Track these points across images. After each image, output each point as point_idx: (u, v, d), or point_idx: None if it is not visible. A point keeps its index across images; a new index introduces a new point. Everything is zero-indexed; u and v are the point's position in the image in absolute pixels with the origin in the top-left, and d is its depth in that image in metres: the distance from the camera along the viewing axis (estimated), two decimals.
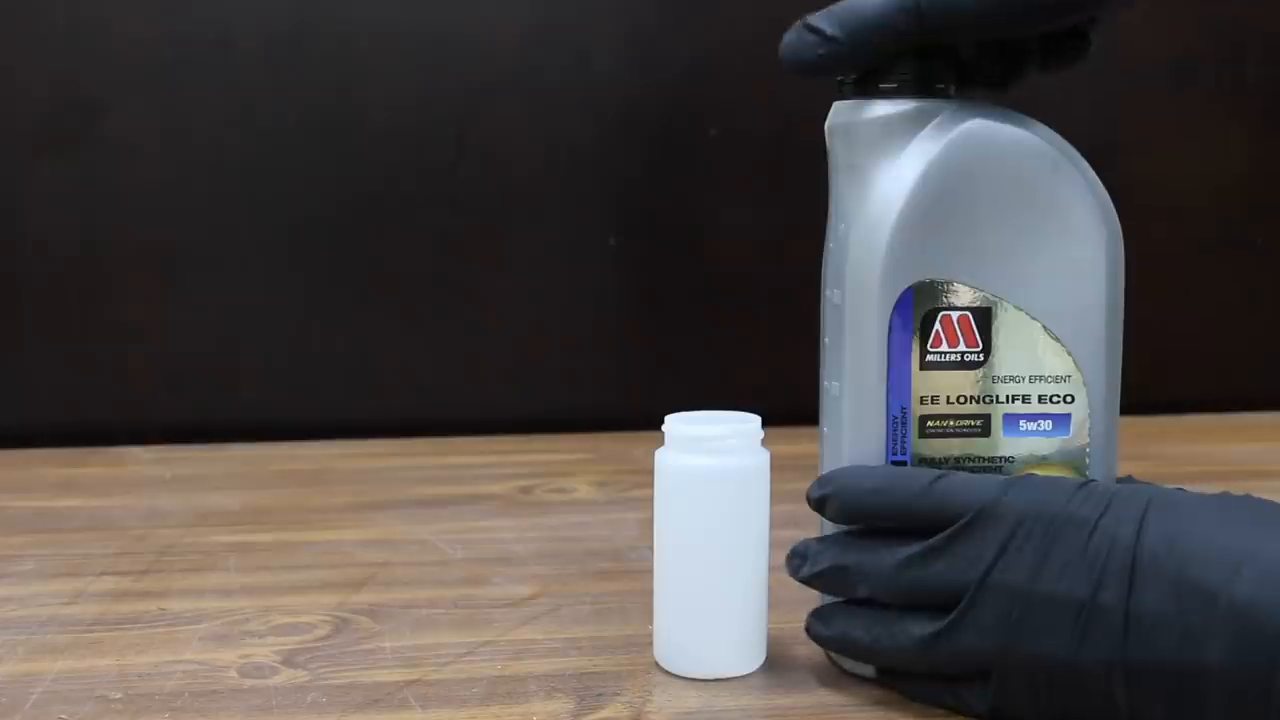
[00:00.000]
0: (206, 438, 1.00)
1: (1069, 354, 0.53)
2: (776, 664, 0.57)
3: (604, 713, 0.52)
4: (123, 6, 1.00)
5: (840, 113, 0.55)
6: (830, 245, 0.56)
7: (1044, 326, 0.53)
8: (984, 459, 0.53)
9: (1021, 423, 0.53)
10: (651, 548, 0.57)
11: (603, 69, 1.05)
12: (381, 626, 0.62)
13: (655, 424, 0.57)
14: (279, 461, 0.95)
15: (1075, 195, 0.52)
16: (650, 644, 0.58)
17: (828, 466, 0.56)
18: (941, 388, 0.53)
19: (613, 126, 1.06)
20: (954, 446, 0.53)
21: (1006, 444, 0.53)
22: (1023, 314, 0.53)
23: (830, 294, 0.55)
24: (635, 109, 1.06)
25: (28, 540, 0.76)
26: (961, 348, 0.53)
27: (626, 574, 0.69)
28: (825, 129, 0.56)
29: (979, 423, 0.53)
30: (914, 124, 0.52)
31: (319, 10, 1.02)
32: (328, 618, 0.63)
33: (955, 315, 0.52)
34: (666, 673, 0.56)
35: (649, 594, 0.58)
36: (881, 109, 0.53)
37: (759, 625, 0.57)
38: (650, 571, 0.57)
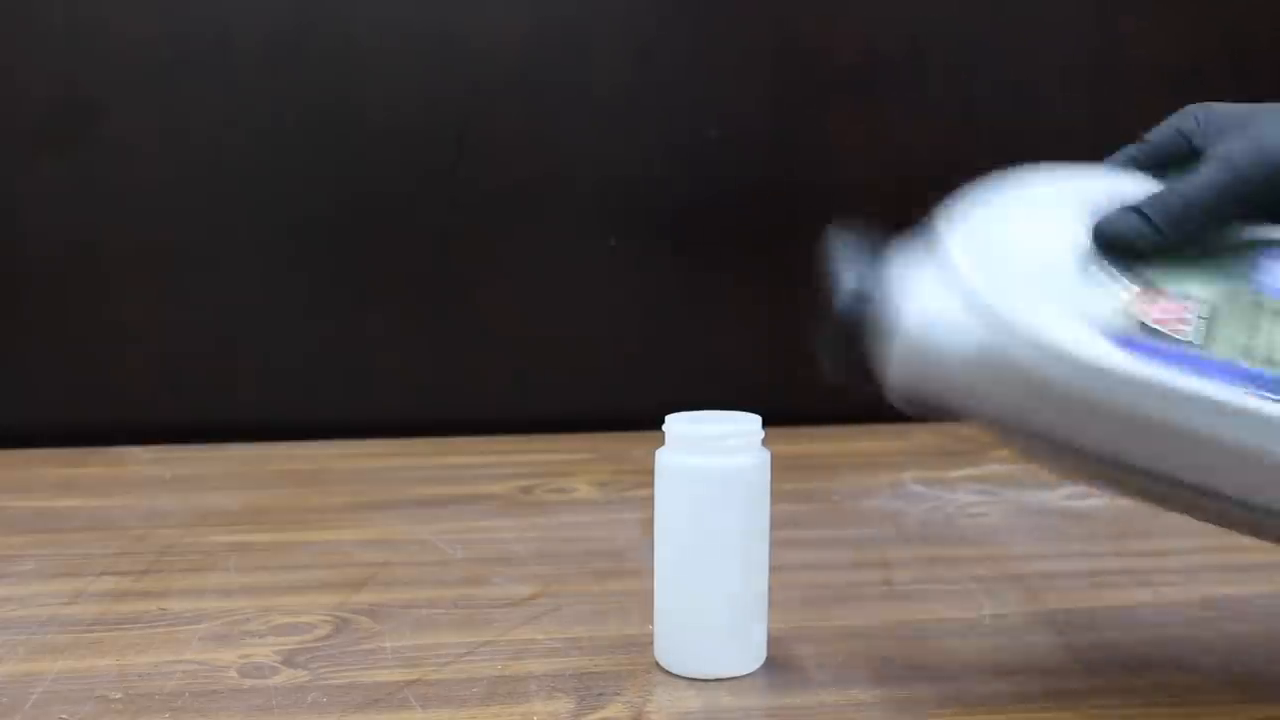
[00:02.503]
0: (206, 438, 1.00)
1: None
2: (776, 664, 0.57)
3: (604, 713, 0.52)
4: (122, 7, 1.00)
5: None
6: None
7: None
8: None
9: None
10: (651, 548, 0.57)
11: (603, 69, 1.05)
12: (381, 626, 0.62)
13: (655, 424, 0.57)
14: (278, 461, 0.95)
15: None
16: (650, 644, 0.58)
17: None
18: None
19: (613, 126, 1.06)
20: None
21: None
22: None
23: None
24: (635, 109, 1.06)
25: (28, 540, 0.76)
26: None
27: (626, 574, 0.69)
28: None
29: None
30: None
31: (319, 10, 1.02)
32: (328, 618, 0.63)
33: None
34: (666, 673, 0.56)
35: (649, 594, 0.57)
36: None
37: (759, 625, 0.57)
38: (650, 571, 0.57)
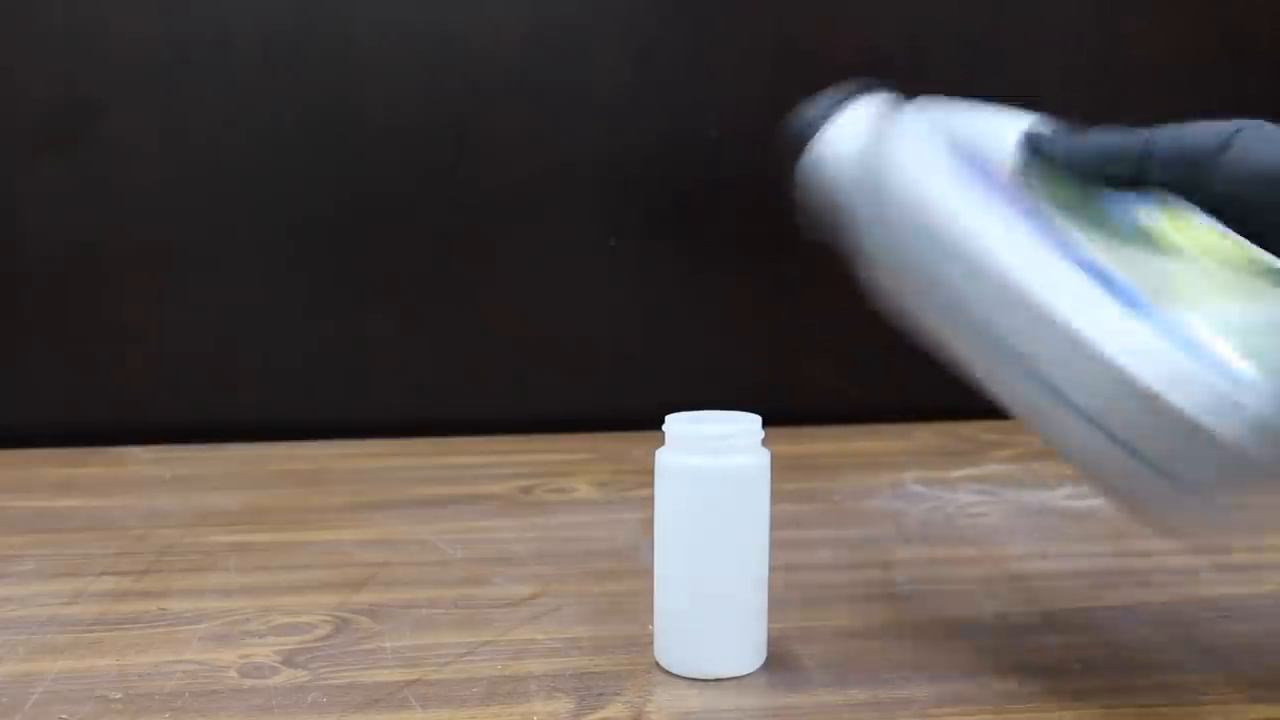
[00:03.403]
0: (206, 438, 1.00)
1: None
2: (776, 664, 0.57)
3: (604, 713, 0.52)
4: (122, 7, 1.00)
5: None
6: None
7: None
8: None
9: None
10: (651, 548, 0.57)
11: (603, 69, 1.05)
12: (381, 626, 0.62)
13: (655, 424, 0.57)
14: (278, 461, 0.95)
15: None
16: (650, 644, 0.58)
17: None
18: None
19: (612, 126, 1.06)
20: None
21: None
22: None
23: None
24: (635, 109, 1.06)
25: (28, 540, 0.76)
26: None
27: (626, 574, 0.69)
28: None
29: None
30: None
31: (319, 10, 1.02)
32: (328, 618, 0.63)
33: None
34: (666, 673, 0.56)
35: (649, 594, 0.58)
36: None
37: (759, 625, 0.57)
38: (650, 571, 0.57)
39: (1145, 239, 0.51)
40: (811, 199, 0.60)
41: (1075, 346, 0.47)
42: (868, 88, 0.61)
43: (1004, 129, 0.57)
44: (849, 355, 1.08)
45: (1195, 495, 0.47)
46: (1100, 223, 0.52)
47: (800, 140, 0.60)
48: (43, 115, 1.00)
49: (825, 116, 0.60)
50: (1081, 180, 0.54)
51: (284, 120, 1.02)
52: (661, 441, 0.56)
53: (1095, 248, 0.50)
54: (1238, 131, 0.51)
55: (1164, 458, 0.47)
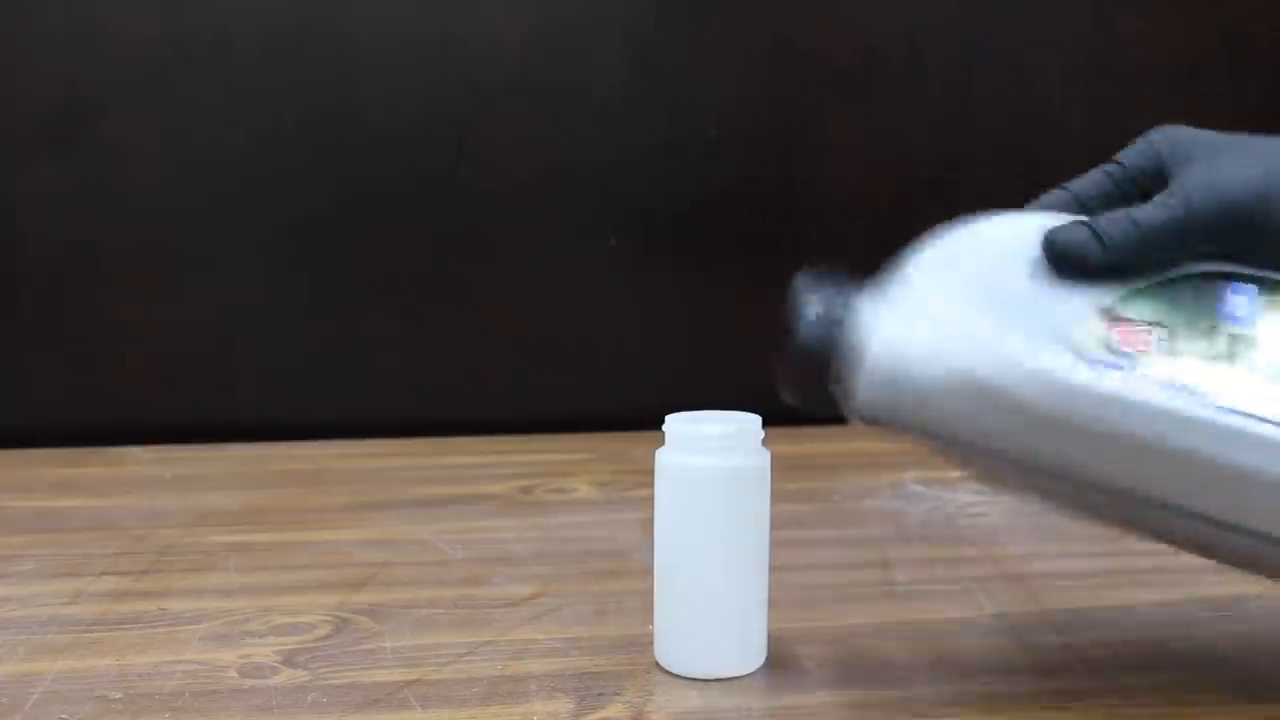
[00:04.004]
0: (205, 438, 1.00)
1: None
2: (776, 664, 0.57)
3: (604, 713, 0.52)
4: (122, 7, 1.00)
5: None
6: None
7: None
8: None
9: None
10: (651, 548, 0.57)
11: (603, 69, 1.05)
12: (381, 626, 0.62)
13: (655, 424, 0.57)
14: (278, 461, 0.95)
15: None
16: (650, 644, 0.58)
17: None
18: None
19: (612, 126, 1.06)
20: None
21: None
22: None
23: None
24: (635, 109, 1.06)
25: (28, 540, 0.76)
26: None
27: (626, 574, 0.69)
28: None
29: None
30: None
31: (319, 10, 1.02)
32: (328, 618, 0.63)
33: None
34: (666, 673, 0.56)
35: (649, 594, 0.58)
36: None
37: (759, 625, 0.57)
38: (650, 571, 0.57)
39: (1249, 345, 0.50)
40: (865, 411, 0.51)
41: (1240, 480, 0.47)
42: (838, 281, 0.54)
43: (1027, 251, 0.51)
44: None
45: None
46: (1211, 332, 0.50)
47: (815, 348, 0.51)
48: (43, 115, 1.00)
49: (831, 314, 0.52)
50: (1133, 278, 0.50)
51: (284, 120, 1.02)
52: (661, 441, 0.56)
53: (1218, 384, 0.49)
54: (1267, 173, 0.49)
55: None
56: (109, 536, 0.76)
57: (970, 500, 0.84)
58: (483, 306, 1.06)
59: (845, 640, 0.60)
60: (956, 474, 0.90)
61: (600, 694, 0.54)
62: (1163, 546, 0.73)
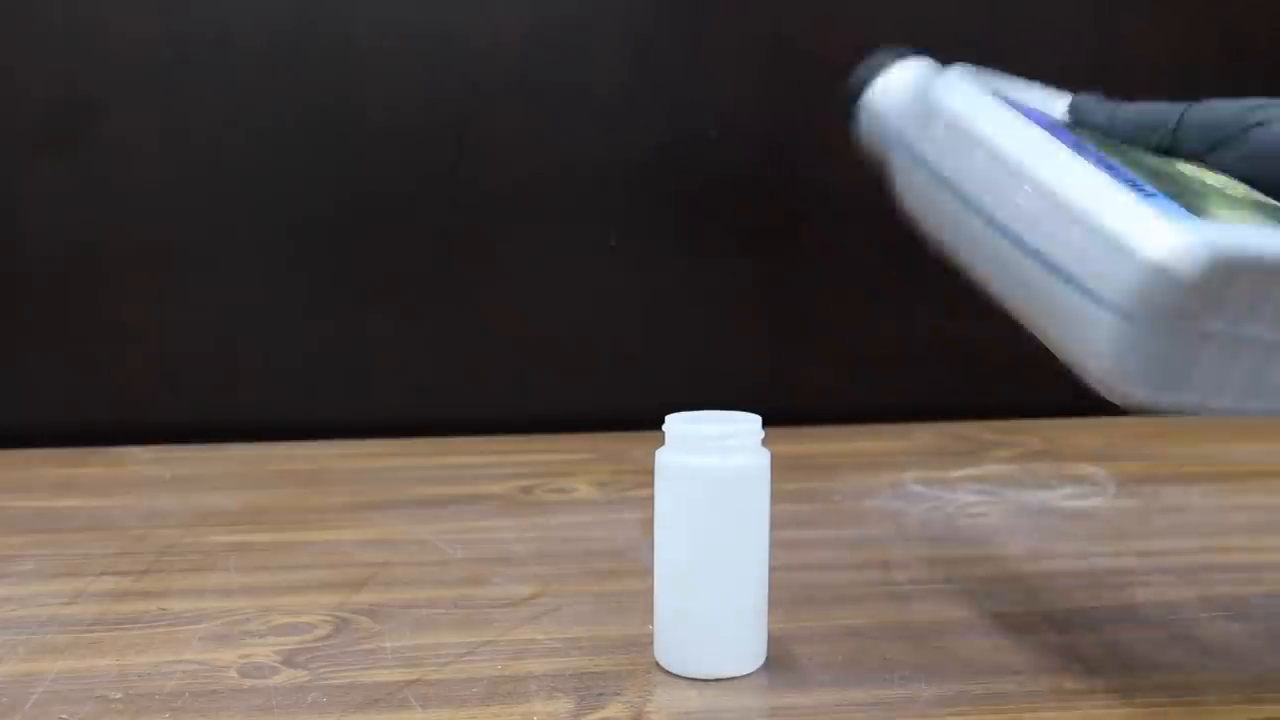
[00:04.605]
0: (206, 438, 1.00)
1: None
2: (776, 664, 0.57)
3: (604, 713, 0.52)
4: (122, 6, 1.00)
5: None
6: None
7: None
8: None
9: None
10: (651, 548, 0.57)
11: (603, 69, 1.05)
12: (381, 626, 0.62)
13: (655, 424, 0.57)
14: (278, 461, 0.95)
15: None
16: (650, 644, 0.58)
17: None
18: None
19: (613, 126, 1.06)
20: None
21: None
22: None
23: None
24: (635, 109, 1.06)
25: (28, 540, 0.76)
26: None
27: (626, 574, 0.69)
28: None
29: None
30: None
31: (319, 10, 1.02)
32: (328, 618, 0.63)
33: None
34: (666, 673, 0.56)
35: (649, 594, 0.58)
36: None
37: (759, 625, 0.57)
38: (650, 571, 0.57)
39: (1176, 174, 0.54)
40: (863, 139, 0.63)
41: (1084, 227, 0.50)
42: (915, 50, 0.64)
43: (1046, 97, 0.62)
44: (849, 355, 1.08)
45: (1135, 330, 0.47)
46: (1137, 160, 0.55)
47: (855, 92, 0.63)
48: (43, 115, 1.00)
49: (879, 68, 0.63)
50: (1121, 143, 0.58)
51: (284, 120, 1.02)
52: (661, 441, 0.56)
53: (1124, 161, 0.53)
54: (1264, 115, 0.56)
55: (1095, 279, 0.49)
56: (109, 536, 0.77)
57: (970, 500, 0.84)
58: (483, 306, 1.06)
59: (845, 640, 0.60)
60: (956, 474, 0.90)
61: (600, 694, 0.54)
62: (1162, 546, 0.74)
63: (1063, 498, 0.85)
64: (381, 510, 0.82)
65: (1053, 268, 0.50)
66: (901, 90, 0.61)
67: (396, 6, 1.02)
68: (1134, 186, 0.50)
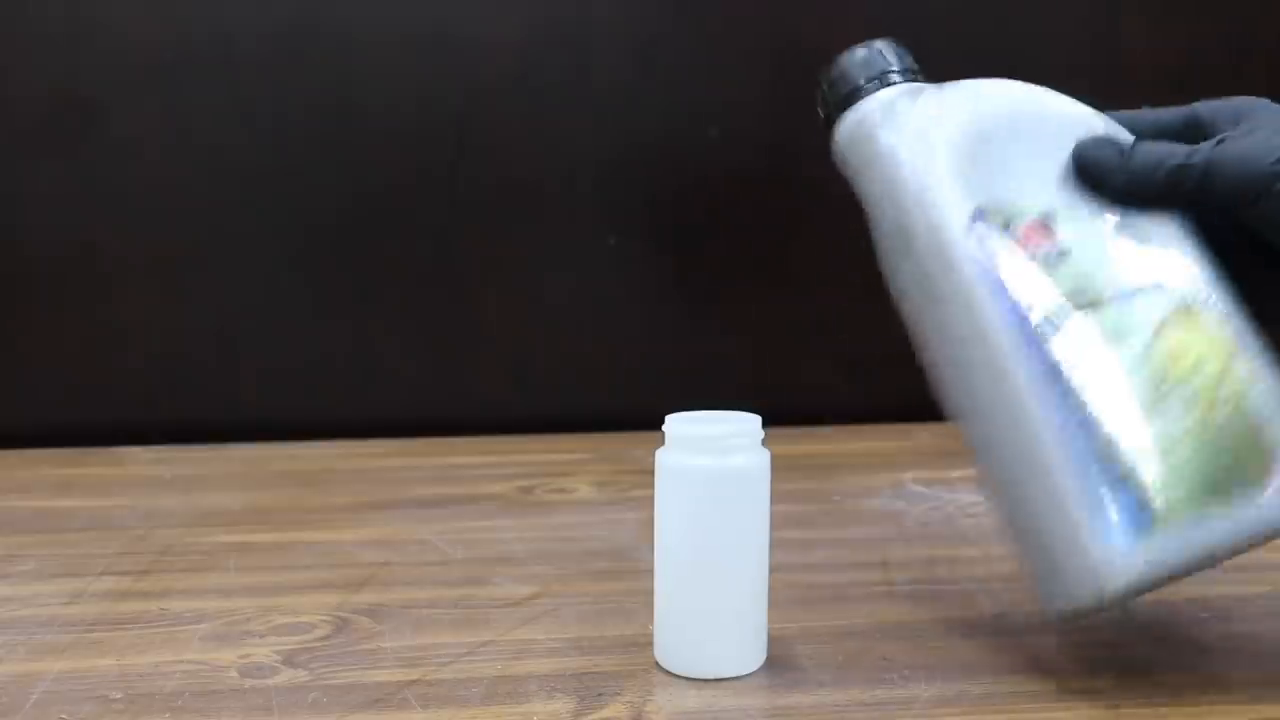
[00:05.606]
0: (206, 438, 1.00)
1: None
2: (776, 664, 0.57)
3: (604, 713, 0.52)
4: (122, 6, 1.00)
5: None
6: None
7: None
8: None
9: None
10: (651, 548, 0.57)
11: (603, 69, 1.05)
12: (382, 626, 0.62)
13: (655, 424, 0.57)
14: (279, 462, 0.95)
15: None
16: (650, 644, 0.58)
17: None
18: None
19: (612, 126, 1.06)
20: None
21: None
22: None
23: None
24: (635, 109, 1.06)
25: (28, 540, 0.76)
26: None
27: (626, 574, 0.69)
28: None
29: None
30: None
31: (319, 10, 1.02)
32: (328, 618, 0.63)
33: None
34: (666, 673, 0.56)
35: (649, 594, 0.58)
36: None
37: (759, 625, 0.57)
38: (650, 571, 0.57)
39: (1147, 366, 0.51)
40: (837, 159, 0.62)
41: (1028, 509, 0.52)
42: (898, 53, 0.64)
43: (1047, 99, 0.59)
44: (849, 355, 1.08)
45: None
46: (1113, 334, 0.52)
47: (829, 109, 0.62)
48: (43, 115, 1.00)
49: (853, 95, 0.61)
50: (1141, 205, 0.54)
51: (284, 120, 1.02)
52: (661, 441, 0.56)
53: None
54: None
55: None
56: (109, 536, 0.77)
57: (970, 500, 0.84)
58: (482, 306, 1.06)
59: (845, 640, 0.60)
60: (956, 474, 0.90)
61: (600, 694, 0.54)
62: None
63: None
64: (382, 510, 0.82)
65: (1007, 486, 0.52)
66: (865, 136, 0.59)
67: (396, 6, 1.02)
68: (1095, 460, 0.50)
